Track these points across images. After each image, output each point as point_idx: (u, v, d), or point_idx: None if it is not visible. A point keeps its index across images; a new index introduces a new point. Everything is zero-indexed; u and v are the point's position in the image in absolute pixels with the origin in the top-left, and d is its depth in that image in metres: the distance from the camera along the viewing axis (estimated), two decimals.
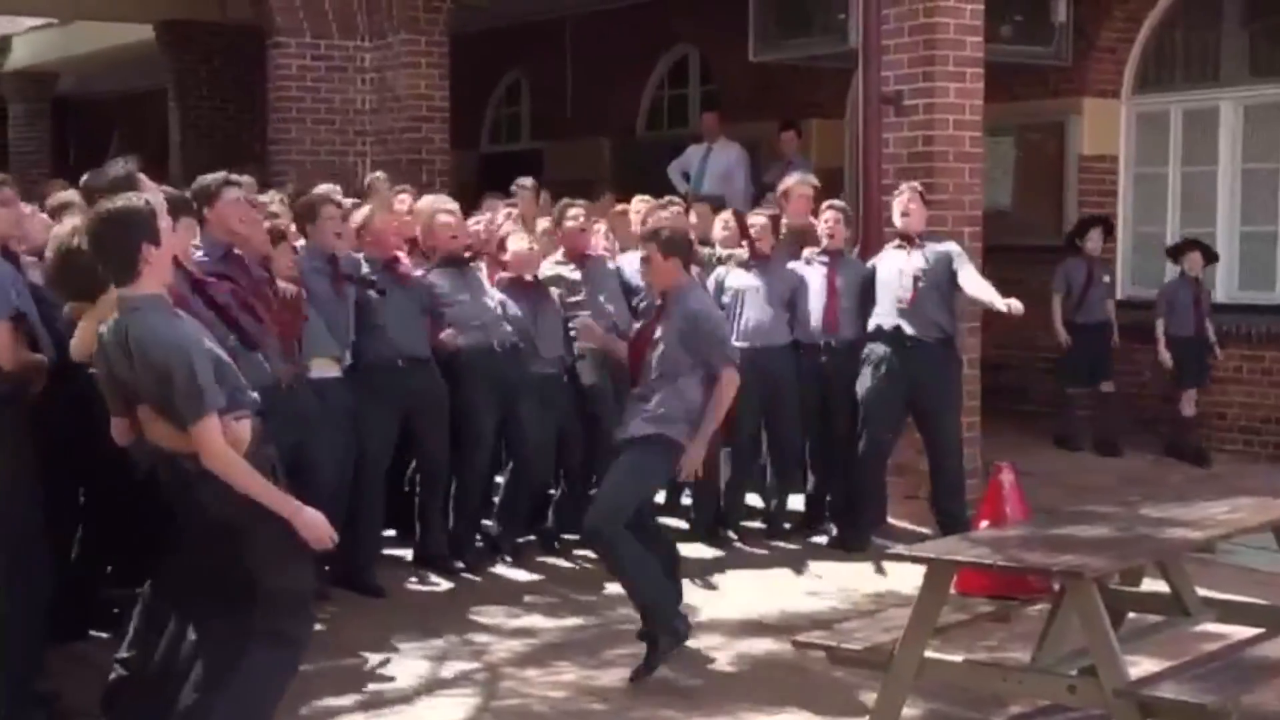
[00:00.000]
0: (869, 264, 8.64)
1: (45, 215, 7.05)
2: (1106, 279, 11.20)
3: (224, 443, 4.55)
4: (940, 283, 8.32)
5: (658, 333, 6.39)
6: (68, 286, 5.42)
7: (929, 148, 8.88)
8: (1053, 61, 11.35)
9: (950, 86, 8.88)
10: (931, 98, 8.85)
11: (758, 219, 8.87)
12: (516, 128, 17.13)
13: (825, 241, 8.68)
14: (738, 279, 8.65)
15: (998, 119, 10.44)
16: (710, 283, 8.53)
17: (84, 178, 6.26)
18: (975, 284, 8.26)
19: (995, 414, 9.62)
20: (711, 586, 7.76)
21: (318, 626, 6.73)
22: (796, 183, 9.21)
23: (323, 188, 8.22)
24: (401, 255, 7.90)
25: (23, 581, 5.38)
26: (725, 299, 8.52)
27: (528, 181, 10.30)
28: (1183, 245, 10.98)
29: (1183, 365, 10.74)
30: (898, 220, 8.48)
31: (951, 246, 8.43)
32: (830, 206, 8.77)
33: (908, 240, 8.42)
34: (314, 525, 4.65)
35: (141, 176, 5.27)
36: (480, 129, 17.13)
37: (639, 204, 9.45)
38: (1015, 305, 7.89)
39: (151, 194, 5.09)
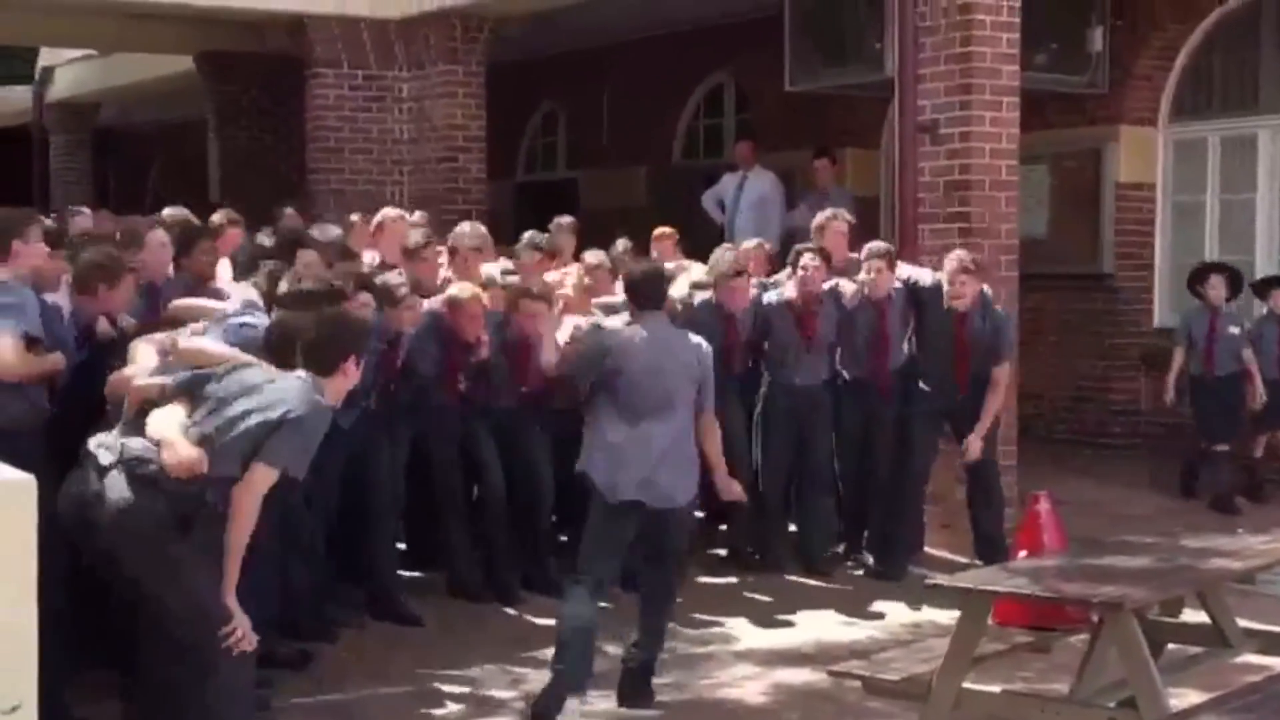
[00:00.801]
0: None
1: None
2: (1234, 329, 10.31)
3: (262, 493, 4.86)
4: (988, 344, 8.29)
5: None
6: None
7: (965, 176, 8.87)
8: (1089, 89, 11.36)
9: (986, 115, 8.88)
10: (968, 126, 8.85)
11: (809, 260, 8.49)
12: (552, 157, 17.19)
13: (868, 290, 8.46)
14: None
15: (1034, 147, 10.43)
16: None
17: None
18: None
19: (1032, 443, 9.59)
20: (748, 616, 7.74)
21: (349, 655, 6.79)
22: (830, 218, 9.01)
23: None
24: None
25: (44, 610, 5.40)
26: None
27: (566, 220, 10.26)
28: (1270, 280, 10.57)
29: (1269, 407, 10.24)
30: (946, 291, 8.27)
31: (1005, 323, 8.40)
32: (873, 255, 8.48)
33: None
34: (240, 621, 4.86)
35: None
36: (516, 158, 17.20)
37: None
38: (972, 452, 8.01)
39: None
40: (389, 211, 9.24)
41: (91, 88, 19.89)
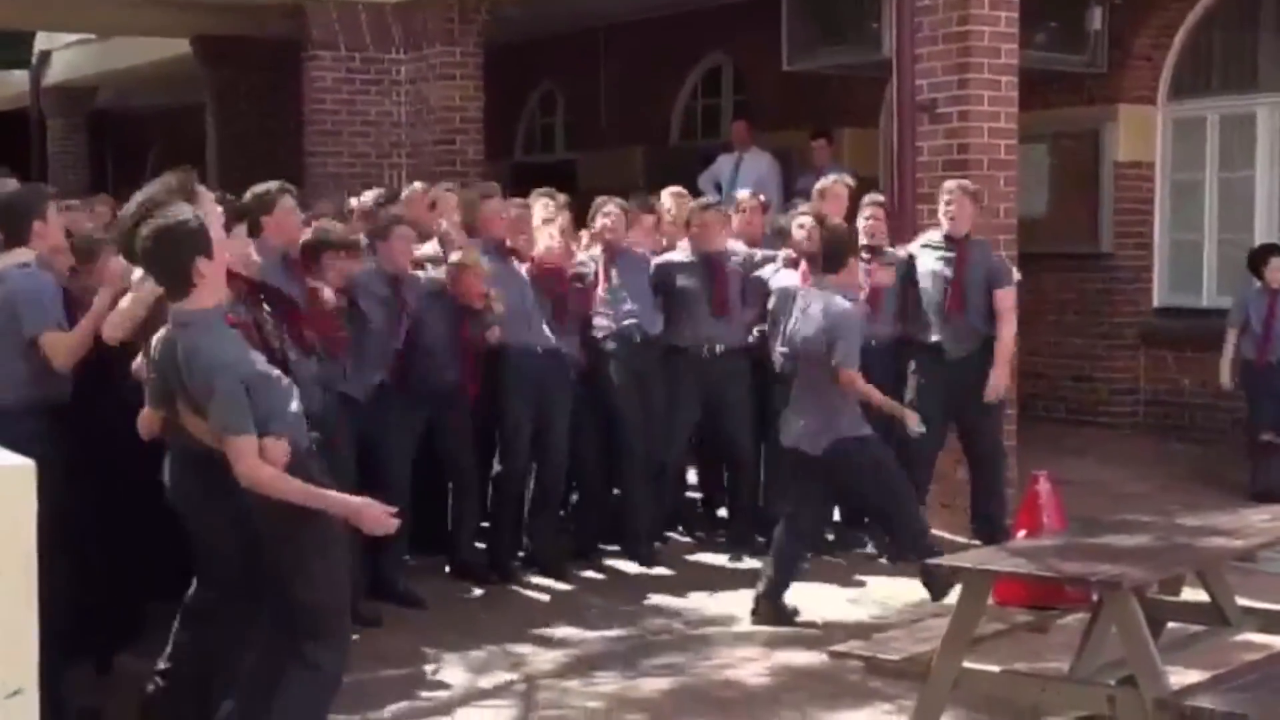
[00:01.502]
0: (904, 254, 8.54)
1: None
2: None
3: (256, 461, 4.57)
4: (980, 290, 8.26)
5: None
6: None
7: (963, 156, 8.86)
8: (1088, 68, 11.34)
9: (985, 94, 8.86)
10: (966, 105, 8.83)
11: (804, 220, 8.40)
12: (551, 138, 17.18)
13: (865, 239, 8.37)
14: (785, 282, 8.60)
15: (1032, 126, 10.41)
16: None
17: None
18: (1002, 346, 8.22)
19: (1031, 422, 9.58)
20: (749, 596, 7.75)
21: (355, 637, 6.80)
22: (833, 182, 9.14)
23: (368, 195, 8.30)
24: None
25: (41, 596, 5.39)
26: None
27: (560, 198, 10.22)
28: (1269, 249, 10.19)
29: None
30: (943, 220, 8.32)
31: (996, 261, 8.36)
32: (871, 202, 8.61)
33: (949, 241, 8.35)
34: (370, 514, 4.71)
35: (200, 187, 5.31)
36: (514, 140, 17.19)
37: (670, 199, 9.42)
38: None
39: (207, 204, 5.10)
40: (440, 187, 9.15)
41: (89, 72, 19.86)
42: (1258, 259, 10.12)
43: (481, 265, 7.67)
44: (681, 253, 8.65)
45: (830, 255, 7.16)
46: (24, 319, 5.63)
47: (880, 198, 8.82)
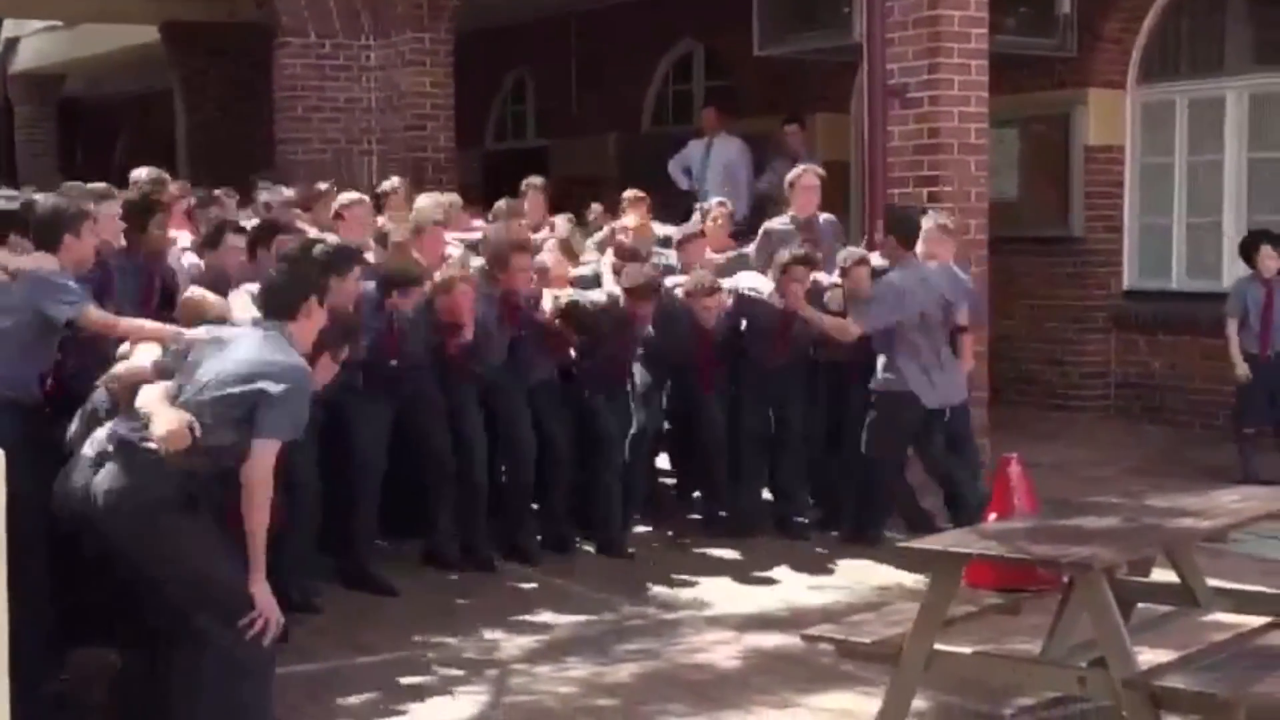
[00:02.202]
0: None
1: None
2: None
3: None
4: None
5: None
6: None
7: (934, 140, 8.88)
8: (1057, 53, 11.36)
9: (955, 79, 8.89)
10: (936, 90, 8.86)
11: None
12: (522, 125, 17.14)
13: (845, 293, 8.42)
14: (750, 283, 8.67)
15: (1003, 110, 10.43)
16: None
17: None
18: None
19: (1002, 406, 9.61)
20: (720, 581, 7.77)
21: (324, 625, 6.80)
22: (803, 172, 9.21)
23: (321, 187, 8.29)
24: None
25: (23, 584, 5.39)
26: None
27: (538, 180, 10.29)
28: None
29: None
30: (920, 246, 8.24)
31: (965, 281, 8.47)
32: (851, 260, 8.38)
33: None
34: (267, 603, 4.83)
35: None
36: (485, 127, 17.15)
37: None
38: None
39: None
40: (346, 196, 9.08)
41: (56, 59, 19.77)
42: (1249, 246, 9.94)
43: (470, 282, 7.69)
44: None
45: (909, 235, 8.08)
46: (52, 309, 5.72)
47: (860, 253, 8.53)
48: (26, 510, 4.84)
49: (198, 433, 4.77)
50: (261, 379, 4.87)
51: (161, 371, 5.16)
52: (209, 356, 5.01)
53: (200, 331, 5.42)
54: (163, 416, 4.79)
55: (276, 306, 5.16)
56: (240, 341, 5.05)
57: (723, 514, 8.73)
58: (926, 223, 8.27)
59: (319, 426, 6.94)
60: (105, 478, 4.79)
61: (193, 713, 4.88)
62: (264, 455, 4.85)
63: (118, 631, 5.44)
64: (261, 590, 4.84)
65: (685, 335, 8.40)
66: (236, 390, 4.87)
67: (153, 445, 4.76)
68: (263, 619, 4.82)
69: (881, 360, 8.17)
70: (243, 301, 6.31)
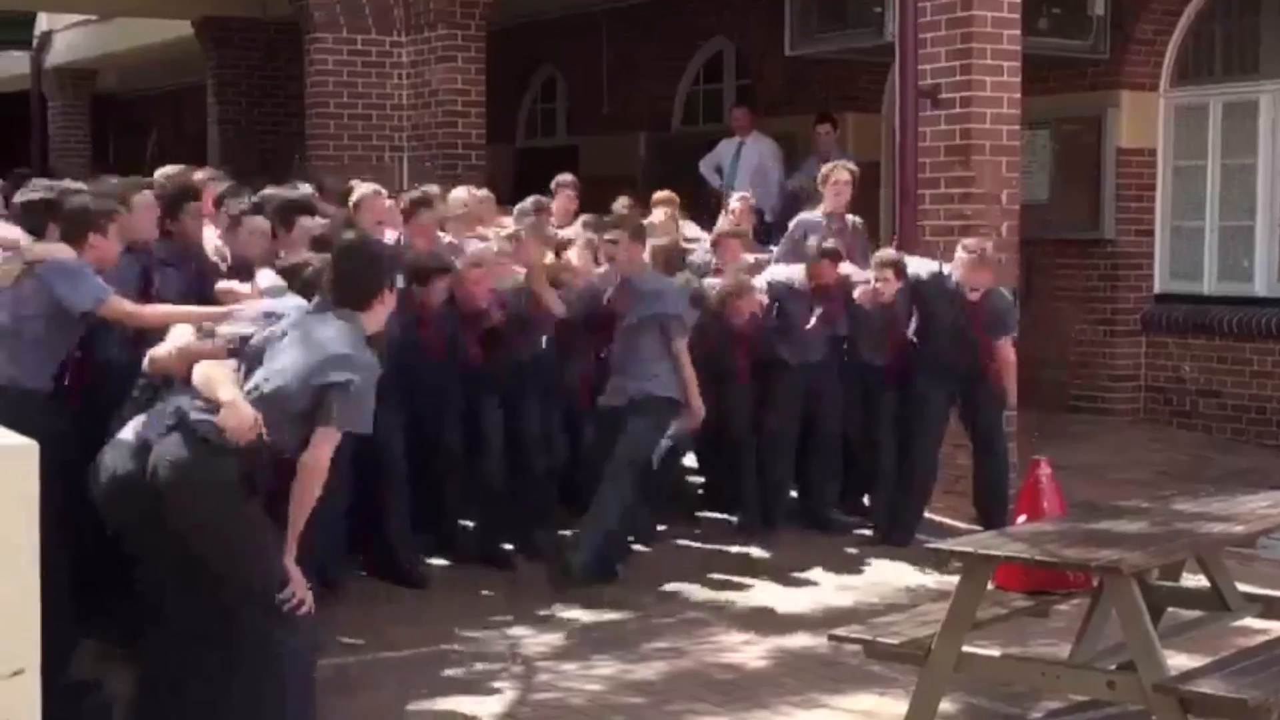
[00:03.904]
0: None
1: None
2: None
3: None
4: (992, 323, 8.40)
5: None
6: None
7: (966, 141, 8.85)
8: (1090, 54, 11.31)
9: (987, 80, 8.85)
10: (969, 91, 8.82)
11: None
12: (552, 123, 17.14)
13: (876, 295, 8.45)
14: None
15: (1035, 112, 10.39)
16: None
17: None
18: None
19: (1032, 408, 9.59)
20: (750, 580, 7.76)
21: (344, 612, 6.81)
22: (835, 167, 9.29)
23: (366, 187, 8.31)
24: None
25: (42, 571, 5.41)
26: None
27: (567, 178, 10.30)
28: None
29: None
30: (957, 273, 8.30)
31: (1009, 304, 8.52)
32: (882, 264, 8.44)
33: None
34: (299, 582, 4.84)
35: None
36: (516, 124, 17.16)
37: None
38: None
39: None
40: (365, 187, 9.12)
41: (90, 53, 19.85)
42: None
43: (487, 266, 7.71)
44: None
45: None
46: (69, 299, 5.71)
47: (893, 256, 8.55)
48: (43, 500, 4.88)
49: (262, 429, 4.78)
50: (334, 371, 4.87)
51: (229, 349, 5.18)
52: (281, 348, 5.00)
53: (253, 310, 5.44)
54: (232, 408, 4.79)
55: (351, 297, 5.13)
56: (312, 333, 5.03)
57: (749, 512, 8.71)
58: (960, 251, 8.29)
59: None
60: (169, 449, 4.77)
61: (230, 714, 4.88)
62: (325, 444, 4.86)
63: (142, 633, 5.42)
64: (292, 567, 4.85)
65: (717, 335, 8.42)
66: (308, 383, 4.87)
67: (217, 424, 4.77)
68: (297, 598, 4.81)
69: None
70: (269, 277, 6.30)
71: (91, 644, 5.91)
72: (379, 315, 5.18)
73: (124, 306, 5.88)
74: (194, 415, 4.80)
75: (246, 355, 5.11)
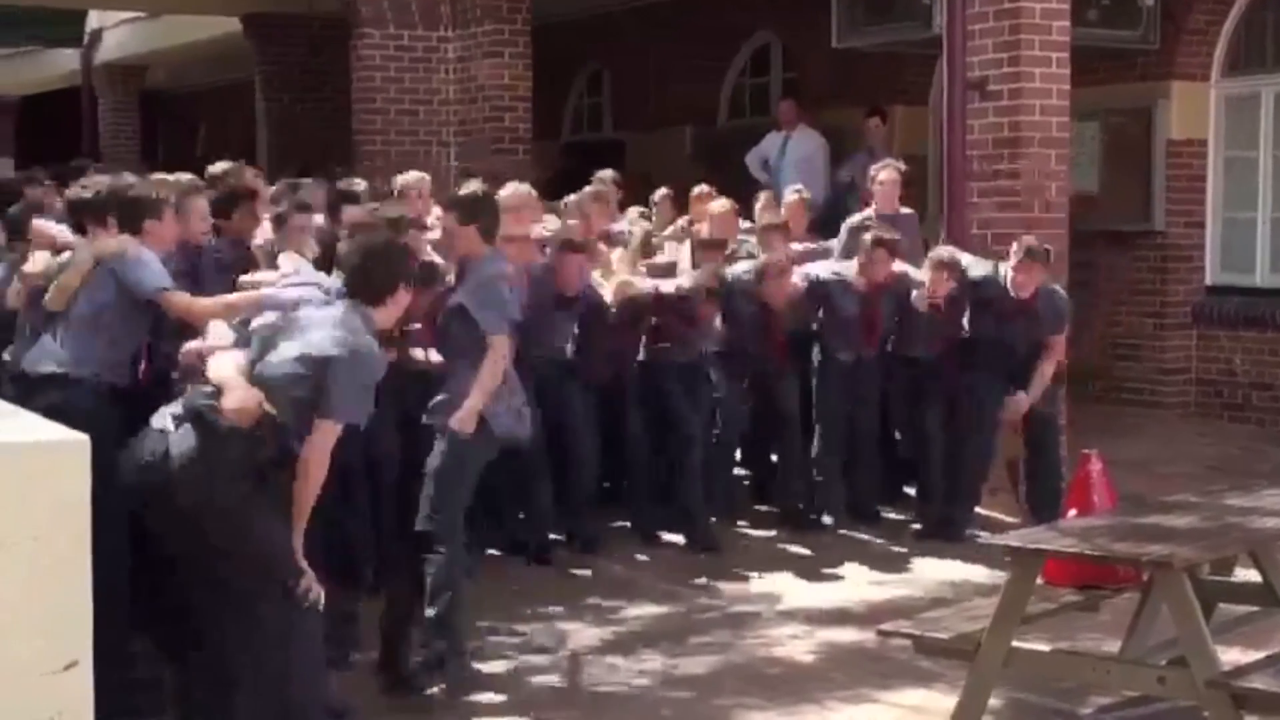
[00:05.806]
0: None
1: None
2: None
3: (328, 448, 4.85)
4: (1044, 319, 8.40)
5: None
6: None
7: (1015, 133, 8.80)
8: (1140, 45, 11.22)
9: (1036, 71, 8.80)
10: (1018, 83, 8.77)
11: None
12: (598, 117, 17.15)
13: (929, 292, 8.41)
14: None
15: (1084, 103, 10.31)
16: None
17: None
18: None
19: (1082, 402, 9.53)
20: (794, 574, 7.75)
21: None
22: (884, 168, 9.39)
23: (411, 176, 8.30)
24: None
25: (103, 565, 5.44)
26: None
27: (608, 174, 10.31)
28: None
29: None
30: (1009, 271, 8.25)
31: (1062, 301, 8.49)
32: (937, 264, 8.38)
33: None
34: (307, 574, 4.83)
35: None
36: (562, 119, 17.17)
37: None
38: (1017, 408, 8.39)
39: None
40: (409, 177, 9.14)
41: (139, 50, 19.98)
42: None
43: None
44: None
45: None
46: (137, 285, 5.77)
47: (948, 256, 8.48)
48: (118, 492, 4.93)
49: (267, 408, 4.81)
50: (332, 361, 4.89)
51: (239, 341, 5.24)
52: (286, 335, 5.04)
53: (269, 292, 5.48)
54: (234, 390, 4.82)
55: (365, 290, 5.16)
56: (315, 322, 5.06)
57: (800, 506, 8.70)
58: (1014, 249, 8.24)
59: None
60: (180, 440, 4.81)
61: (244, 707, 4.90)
62: (324, 436, 4.86)
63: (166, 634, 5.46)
64: (298, 557, 4.85)
65: (754, 319, 8.41)
66: (305, 371, 4.88)
67: (224, 412, 4.80)
68: (304, 582, 4.81)
69: None
70: (291, 261, 6.35)
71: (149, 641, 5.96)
72: (391, 312, 5.26)
73: (183, 298, 5.92)
74: (201, 402, 4.85)
75: (261, 339, 5.13)
